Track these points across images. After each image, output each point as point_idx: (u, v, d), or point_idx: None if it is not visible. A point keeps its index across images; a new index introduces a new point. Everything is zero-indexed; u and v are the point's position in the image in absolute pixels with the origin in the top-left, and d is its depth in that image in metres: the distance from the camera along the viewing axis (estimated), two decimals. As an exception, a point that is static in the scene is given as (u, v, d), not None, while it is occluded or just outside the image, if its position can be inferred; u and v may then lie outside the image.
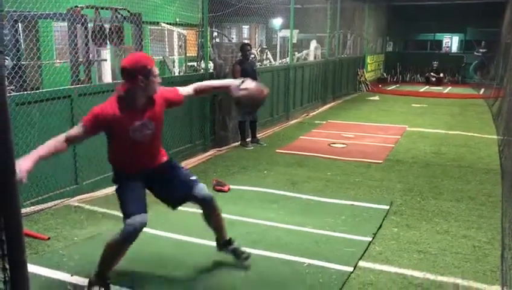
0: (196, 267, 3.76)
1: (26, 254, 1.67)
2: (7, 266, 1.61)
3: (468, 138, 8.95)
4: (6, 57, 6.33)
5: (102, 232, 4.43)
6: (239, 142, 8.23)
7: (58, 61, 9.02)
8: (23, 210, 4.54)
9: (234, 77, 7.80)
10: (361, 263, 3.87)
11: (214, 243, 3.82)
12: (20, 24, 7.13)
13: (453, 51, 21.82)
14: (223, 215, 3.74)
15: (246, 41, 16.91)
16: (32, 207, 4.80)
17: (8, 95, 4.40)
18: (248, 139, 8.29)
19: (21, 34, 7.29)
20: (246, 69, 7.81)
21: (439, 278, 3.66)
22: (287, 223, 4.68)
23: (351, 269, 3.75)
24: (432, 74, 19.39)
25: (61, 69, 7.81)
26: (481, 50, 18.90)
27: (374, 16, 18.97)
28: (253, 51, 11.68)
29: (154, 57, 11.45)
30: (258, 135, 8.52)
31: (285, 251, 4.05)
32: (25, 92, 4.95)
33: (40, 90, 5.19)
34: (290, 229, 4.55)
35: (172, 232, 4.45)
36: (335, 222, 4.76)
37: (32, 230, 4.34)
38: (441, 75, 19.45)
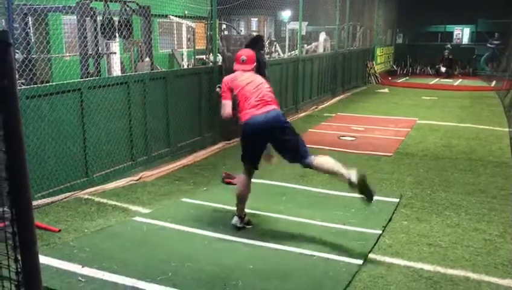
0: (204, 259, 3.77)
1: (38, 246, 1.68)
2: (19, 257, 1.62)
3: (479, 131, 8.87)
4: (17, 50, 6.36)
5: (112, 225, 4.46)
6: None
7: (67, 54, 9.05)
8: (34, 202, 4.58)
9: None
10: (371, 256, 3.86)
11: (222, 236, 4.19)
12: (30, 17, 7.15)
13: (464, 43, 21.58)
14: (233, 208, 4.28)
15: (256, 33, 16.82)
16: (43, 199, 4.84)
17: (19, 88, 4.42)
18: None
19: (31, 28, 7.31)
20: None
21: (450, 271, 3.64)
22: (296, 216, 4.68)
23: (360, 262, 3.74)
24: (445, 56, 18.98)
25: (70, 62, 7.84)
26: (494, 42, 18.61)
27: (383, 8, 18.80)
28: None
29: (162, 50, 11.53)
30: (267, 128, 8.46)
31: (295, 244, 4.05)
32: (35, 86, 4.98)
33: (50, 84, 5.21)
34: (299, 222, 4.55)
35: (180, 225, 4.47)
36: (344, 214, 4.74)
37: (43, 222, 4.38)
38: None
